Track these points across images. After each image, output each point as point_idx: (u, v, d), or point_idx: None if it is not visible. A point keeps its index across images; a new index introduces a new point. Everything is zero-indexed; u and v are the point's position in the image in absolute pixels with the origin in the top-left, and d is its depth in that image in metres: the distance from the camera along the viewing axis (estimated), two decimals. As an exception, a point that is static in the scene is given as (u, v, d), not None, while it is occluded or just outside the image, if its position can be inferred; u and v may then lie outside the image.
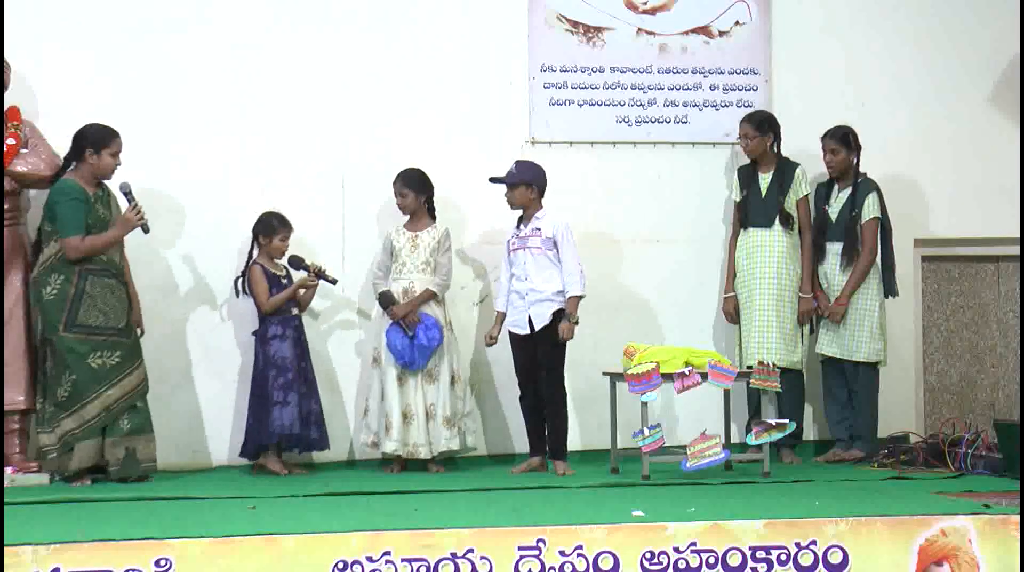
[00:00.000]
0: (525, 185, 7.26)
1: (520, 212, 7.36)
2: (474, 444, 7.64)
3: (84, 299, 6.78)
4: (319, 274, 7.47)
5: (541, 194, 7.31)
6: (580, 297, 7.22)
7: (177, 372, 7.49)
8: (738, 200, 7.95)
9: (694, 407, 7.80)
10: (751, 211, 7.86)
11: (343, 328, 7.85)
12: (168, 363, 7.23)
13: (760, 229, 7.81)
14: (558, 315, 7.21)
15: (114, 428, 6.81)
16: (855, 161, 7.81)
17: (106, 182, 7.00)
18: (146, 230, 6.93)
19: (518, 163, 7.36)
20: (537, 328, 7.23)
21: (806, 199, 7.85)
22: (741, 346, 7.85)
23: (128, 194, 6.92)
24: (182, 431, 7.48)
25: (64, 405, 6.76)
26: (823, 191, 7.92)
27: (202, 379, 7.65)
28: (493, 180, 7.31)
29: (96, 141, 6.89)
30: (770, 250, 7.78)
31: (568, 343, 7.27)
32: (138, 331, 7.08)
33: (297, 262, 7.49)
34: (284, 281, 7.48)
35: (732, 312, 7.91)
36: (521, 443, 7.71)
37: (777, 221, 7.78)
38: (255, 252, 7.50)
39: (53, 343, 6.79)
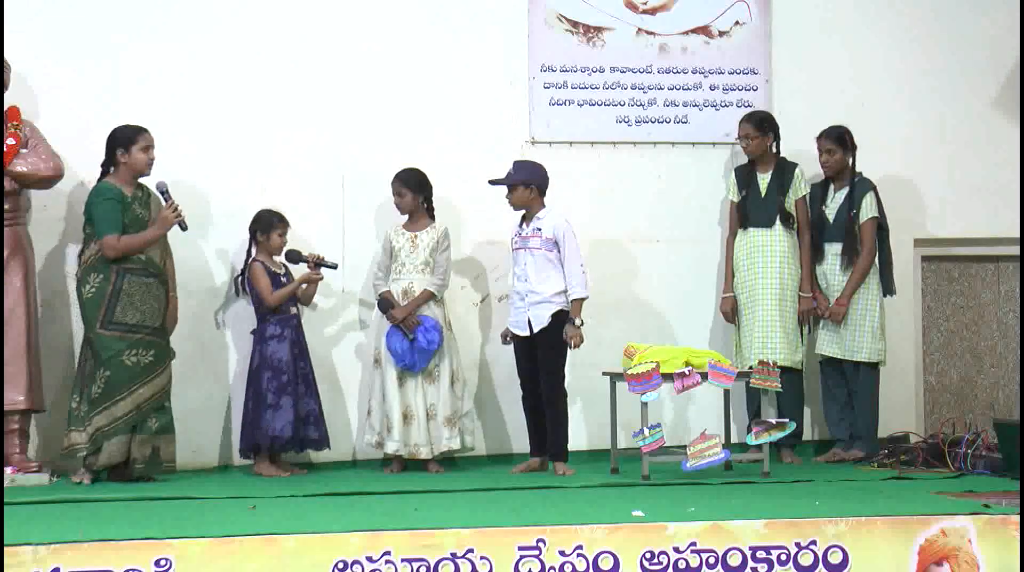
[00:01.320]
0: (523, 185, 7.24)
1: (523, 211, 7.35)
2: (473, 444, 7.63)
3: (121, 297, 6.83)
4: (318, 262, 7.47)
5: (542, 193, 7.30)
6: (583, 299, 7.22)
7: (177, 371, 7.44)
8: (736, 200, 7.93)
9: (694, 407, 7.80)
10: (751, 211, 7.85)
11: (344, 327, 7.85)
12: (168, 363, 7.24)
13: (761, 229, 7.81)
14: (557, 317, 7.20)
15: (143, 427, 6.87)
16: (851, 161, 7.81)
17: (146, 184, 7.04)
18: (184, 228, 6.98)
19: (516, 164, 7.34)
20: (535, 330, 7.22)
21: (804, 199, 7.86)
22: (740, 346, 7.85)
23: (164, 193, 6.98)
24: (182, 431, 7.43)
25: (96, 402, 6.81)
26: (818, 191, 7.91)
27: (201, 378, 7.66)
28: (493, 182, 7.31)
29: (124, 139, 6.94)
30: (771, 250, 7.78)
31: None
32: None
33: (295, 256, 7.48)
34: (283, 278, 7.48)
35: (730, 312, 7.90)
36: (520, 443, 7.71)
37: (778, 221, 7.78)
38: (254, 250, 7.50)
39: (91, 341, 6.86)
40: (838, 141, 7.77)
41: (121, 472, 6.90)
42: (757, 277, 7.77)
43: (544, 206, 7.30)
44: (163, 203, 6.97)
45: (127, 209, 6.90)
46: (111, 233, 6.83)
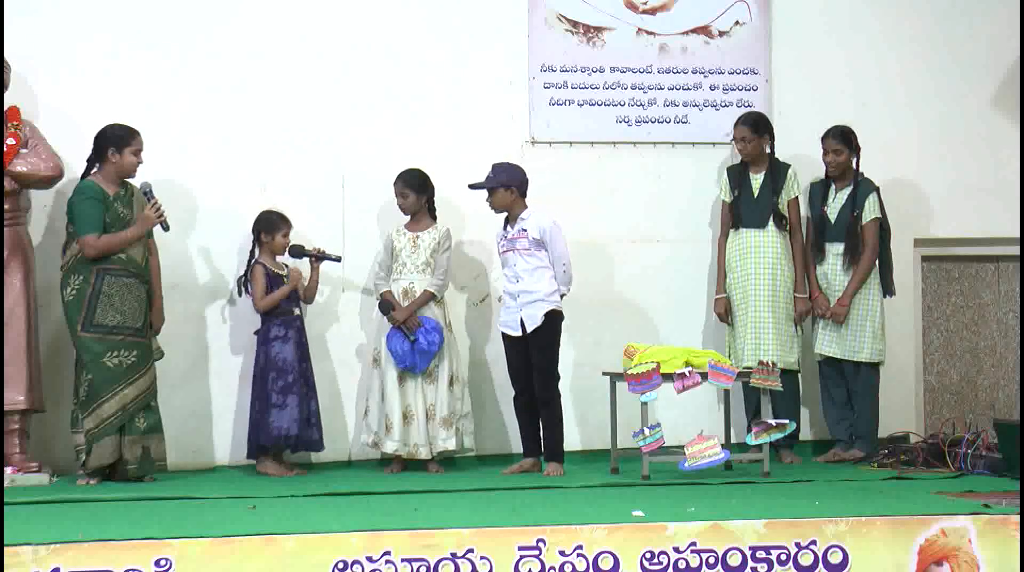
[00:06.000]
0: (503, 187, 7.21)
1: (505, 214, 7.33)
2: (472, 445, 7.62)
3: (101, 299, 6.83)
4: (321, 256, 7.47)
5: (522, 194, 7.27)
6: (562, 295, 7.20)
7: (178, 372, 7.48)
8: (728, 200, 7.93)
9: (694, 407, 7.80)
10: (744, 211, 7.83)
11: (343, 328, 7.84)
12: (169, 363, 7.23)
13: (753, 230, 7.80)
14: (550, 316, 7.18)
15: (131, 427, 6.88)
16: (855, 161, 7.81)
17: (131, 183, 7.03)
18: (165, 228, 6.97)
19: (494, 166, 7.29)
20: (529, 330, 7.18)
21: (797, 200, 7.85)
22: (734, 347, 7.83)
23: (147, 193, 6.96)
24: (183, 431, 7.48)
25: (84, 405, 6.83)
26: (819, 191, 7.90)
27: (203, 379, 7.66)
28: (473, 187, 7.29)
29: (117, 140, 6.93)
30: (764, 251, 7.77)
31: (568, 343, 7.25)
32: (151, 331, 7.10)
33: (298, 251, 7.48)
34: (286, 279, 7.48)
35: (723, 313, 7.89)
36: (520, 444, 7.71)
37: (771, 222, 7.78)
38: (257, 251, 7.50)
39: (74, 344, 6.87)
40: (844, 141, 7.76)
41: (115, 473, 6.91)
42: (749, 278, 7.76)
43: (526, 206, 7.28)
44: (146, 203, 6.95)
45: (109, 208, 6.90)
46: (91, 233, 6.82)
